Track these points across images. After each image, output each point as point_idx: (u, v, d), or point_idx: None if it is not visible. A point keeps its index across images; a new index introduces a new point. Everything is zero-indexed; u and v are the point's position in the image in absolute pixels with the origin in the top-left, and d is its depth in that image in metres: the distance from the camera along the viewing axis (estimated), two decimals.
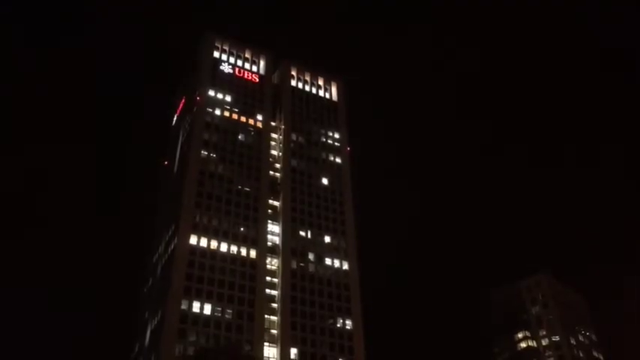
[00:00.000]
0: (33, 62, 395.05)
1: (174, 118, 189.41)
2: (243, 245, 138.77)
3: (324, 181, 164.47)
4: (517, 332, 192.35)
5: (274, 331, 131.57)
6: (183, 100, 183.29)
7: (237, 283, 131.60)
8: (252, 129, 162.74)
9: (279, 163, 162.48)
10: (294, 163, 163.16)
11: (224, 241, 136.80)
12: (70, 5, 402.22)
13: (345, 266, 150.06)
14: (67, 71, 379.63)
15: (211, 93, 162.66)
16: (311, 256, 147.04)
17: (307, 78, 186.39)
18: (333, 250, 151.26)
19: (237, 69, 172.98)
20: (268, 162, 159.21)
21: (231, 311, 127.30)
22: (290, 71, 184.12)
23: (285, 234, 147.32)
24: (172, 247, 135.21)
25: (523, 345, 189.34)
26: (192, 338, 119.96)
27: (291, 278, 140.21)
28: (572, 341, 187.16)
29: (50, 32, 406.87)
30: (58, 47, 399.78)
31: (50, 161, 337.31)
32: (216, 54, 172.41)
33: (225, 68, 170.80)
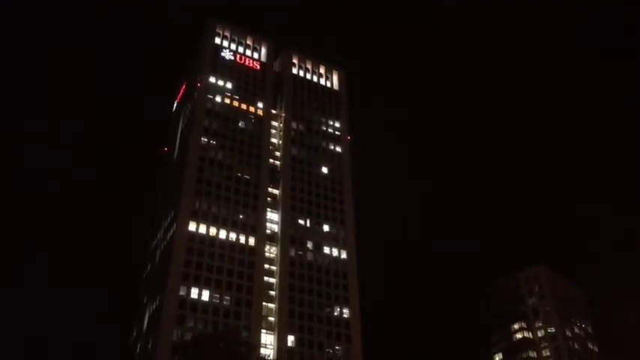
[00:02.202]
0: (33, 62, 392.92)
1: (175, 105, 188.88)
2: (242, 233, 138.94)
3: (324, 169, 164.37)
4: (514, 323, 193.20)
5: (272, 319, 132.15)
6: (183, 87, 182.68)
7: (235, 270, 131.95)
8: (252, 116, 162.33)
9: (279, 151, 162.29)
10: (294, 151, 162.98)
11: (223, 228, 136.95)
12: (70, 5, 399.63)
13: (344, 255, 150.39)
14: (67, 71, 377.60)
15: (212, 79, 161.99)
16: (309, 245, 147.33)
17: (309, 66, 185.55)
18: (332, 239, 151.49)
19: (238, 56, 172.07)
20: (268, 150, 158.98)
21: (229, 298, 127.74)
22: (291, 59, 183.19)
23: (284, 222, 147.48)
24: (171, 233, 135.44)
25: (519, 336, 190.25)
26: (191, 324, 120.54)
27: (290, 266, 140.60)
28: (568, 333, 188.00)
29: (50, 32, 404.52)
30: (58, 47, 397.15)
31: (50, 161, 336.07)
32: (217, 40, 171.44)
33: (227, 55, 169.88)
